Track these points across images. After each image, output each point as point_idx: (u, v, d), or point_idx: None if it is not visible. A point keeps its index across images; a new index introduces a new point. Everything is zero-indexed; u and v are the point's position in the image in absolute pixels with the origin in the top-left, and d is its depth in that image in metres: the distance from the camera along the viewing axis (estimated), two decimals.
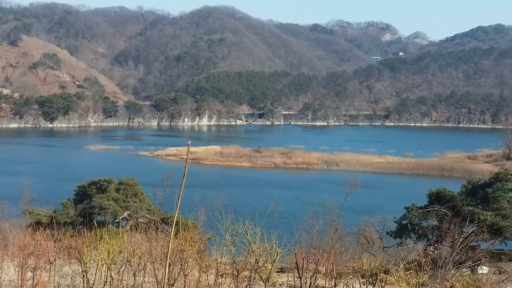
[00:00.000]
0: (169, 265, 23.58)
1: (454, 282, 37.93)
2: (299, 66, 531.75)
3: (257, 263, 24.86)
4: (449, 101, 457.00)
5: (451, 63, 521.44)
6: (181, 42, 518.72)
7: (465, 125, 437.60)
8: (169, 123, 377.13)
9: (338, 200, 61.10)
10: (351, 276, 33.94)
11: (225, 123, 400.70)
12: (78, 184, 68.93)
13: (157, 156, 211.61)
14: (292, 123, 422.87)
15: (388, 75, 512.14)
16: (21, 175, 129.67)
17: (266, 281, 25.80)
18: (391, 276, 31.21)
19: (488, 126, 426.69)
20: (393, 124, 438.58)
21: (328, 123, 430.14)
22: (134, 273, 25.80)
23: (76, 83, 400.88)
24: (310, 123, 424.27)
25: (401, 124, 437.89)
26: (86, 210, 57.96)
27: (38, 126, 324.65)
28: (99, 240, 25.72)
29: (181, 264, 26.07)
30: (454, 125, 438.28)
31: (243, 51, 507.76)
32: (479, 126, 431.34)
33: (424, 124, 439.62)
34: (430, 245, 55.67)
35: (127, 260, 25.83)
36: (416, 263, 34.29)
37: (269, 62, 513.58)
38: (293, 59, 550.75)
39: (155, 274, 24.89)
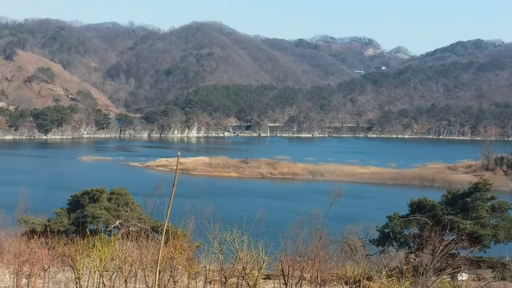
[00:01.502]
0: (159, 272, 23.56)
1: None
2: (285, 80, 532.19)
3: (244, 270, 24.81)
4: (430, 113, 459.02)
5: (432, 76, 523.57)
6: (171, 56, 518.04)
7: (445, 137, 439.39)
8: (159, 135, 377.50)
9: (322, 209, 61.14)
10: (335, 282, 34.02)
11: (213, 134, 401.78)
12: (71, 194, 68.45)
13: (148, 166, 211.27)
14: (278, 135, 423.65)
15: (371, 89, 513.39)
16: (16, 185, 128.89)
17: None
18: (374, 282, 31.30)
19: (467, 138, 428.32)
20: (375, 135, 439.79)
21: (313, 135, 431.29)
22: (126, 280, 25.75)
23: (70, 96, 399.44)
24: (295, 135, 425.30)
25: (383, 135, 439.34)
26: (79, 219, 57.68)
27: (32, 137, 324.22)
28: (92, 248, 25.67)
29: (171, 271, 26.05)
30: (435, 137, 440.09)
31: (230, 65, 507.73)
32: (459, 137, 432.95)
33: (405, 136, 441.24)
34: (411, 252, 55.68)
35: (119, 267, 25.78)
36: (398, 270, 34.33)
37: (256, 76, 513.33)
38: (279, 73, 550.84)
39: (145, 281, 24.86)
